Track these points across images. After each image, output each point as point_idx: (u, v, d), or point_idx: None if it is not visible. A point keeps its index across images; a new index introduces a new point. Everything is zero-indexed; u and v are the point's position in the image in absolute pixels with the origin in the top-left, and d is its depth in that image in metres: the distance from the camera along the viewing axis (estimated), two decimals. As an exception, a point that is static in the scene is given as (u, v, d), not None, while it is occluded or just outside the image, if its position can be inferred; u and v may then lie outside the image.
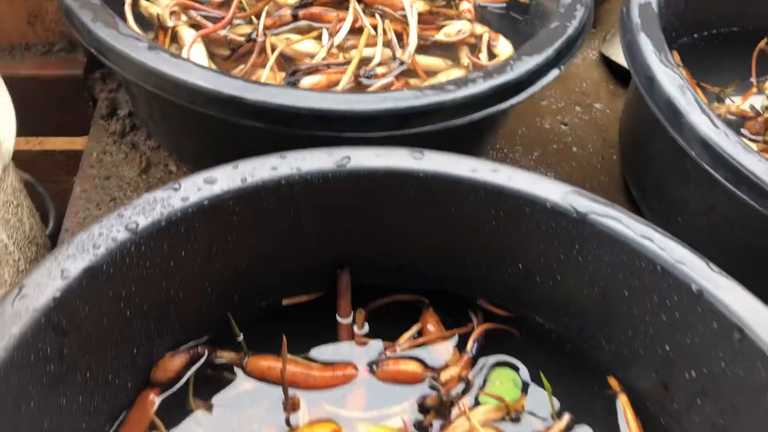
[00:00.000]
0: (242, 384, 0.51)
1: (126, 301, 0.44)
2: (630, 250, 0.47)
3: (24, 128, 0.71)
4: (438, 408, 0.48)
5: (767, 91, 0.76)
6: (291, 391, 0.49)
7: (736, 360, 0.43)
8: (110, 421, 0.47)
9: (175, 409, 0.49)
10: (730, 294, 0.44)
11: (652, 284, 0.46)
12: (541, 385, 0.52)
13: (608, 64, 0.90)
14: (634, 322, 0.49)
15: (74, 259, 0.41)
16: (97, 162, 0.72)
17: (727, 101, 0.77)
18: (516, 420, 0.50)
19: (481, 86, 0.55)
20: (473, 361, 0.52)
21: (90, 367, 0.43)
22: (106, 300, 0.42)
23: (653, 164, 0.66)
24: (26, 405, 0.39)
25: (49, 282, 0.39)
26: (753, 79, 0.78)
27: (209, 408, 0.49)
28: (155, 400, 0.49)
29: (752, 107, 0.75)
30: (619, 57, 0.85)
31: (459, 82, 0.55)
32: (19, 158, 0.74)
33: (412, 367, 0.51)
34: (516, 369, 0.53)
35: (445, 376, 0.51)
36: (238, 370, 0.51)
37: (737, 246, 0.59)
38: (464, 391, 0.49)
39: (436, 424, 0.49)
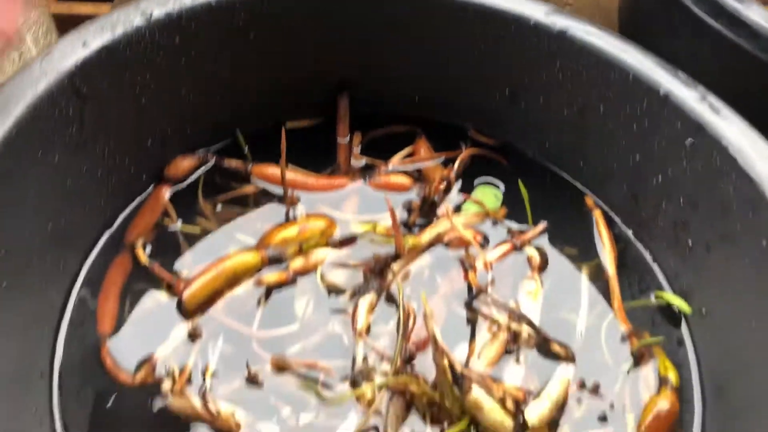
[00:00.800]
0: (247, 190, 0.56)
1: (141, 87, 0.49)
2: (606, 63, 0.50)
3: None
4: (422, 208, 0.53)
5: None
6: (291, 192, 0.54)
7: (696, 155, 0.47)
8: (126, 205, 0.52)
9: (185, 206, 0.54)
10: (692, 94, 0.47)
11: (625, 94, 0.50)
12: (521, 207, 0.56)
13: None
14: (608, 138, 0.53)
15: (95, 35, 0.45)
16: (122, 21, 0.77)
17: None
18: (494, 224, 0.54)
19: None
20: (458, 180, 0.57)
21: (108, 143, 0.48)
22: (123, 80, 0.47)
23: (646, 25, 0.68)
24: (51, 156, 0.44)
25: (72, 50, 0.44)
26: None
27: (215, 206, 0.54)
28: (167, 192, 0.54)
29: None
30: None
31: None
32: (51, 23, 0.80)
33: (402, 179, 0.56)
34: (498, 188, 0.57)
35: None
36: (242, 184, 0.56)
37: (721, 92, 0.62)
38: (446, 191, 0.53)
39: (421, 223, 0.53)
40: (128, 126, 0.49)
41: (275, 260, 0.50)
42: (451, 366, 0.41)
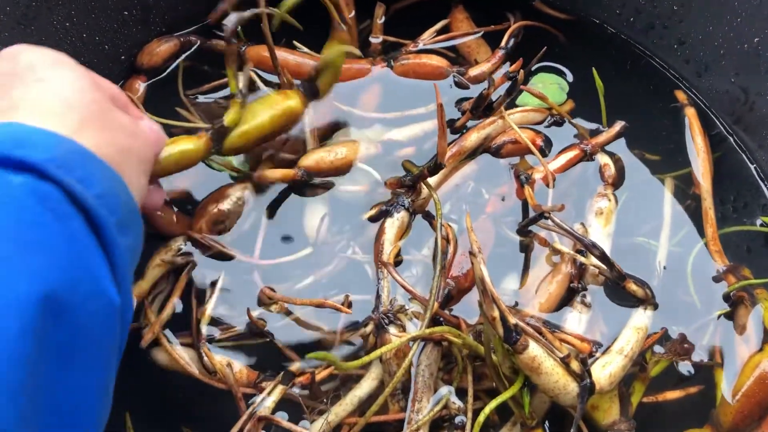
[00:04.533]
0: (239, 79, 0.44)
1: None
2: None
3: None
4: (475, 108, 0.41)
5: None
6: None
7: None
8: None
9: (163, 99, 0.43)
10: None
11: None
12: (593, 95, 0.43)
13: None
14: (717, 12, 0.40)
15: None
16: None
17: None
18: (558, 124, 0.43)
19: None
20: (509, 60, 0.45)
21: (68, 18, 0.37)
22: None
23: None
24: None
25: None
26: None
27: (196, 97, 0.43)
28: (140, 86, 0.43)
29: None
30: None
31: None
32: None
33: (435, 60, 0.44)
34: (563, 75, 0.45)
35: (474, 72, 0.43)
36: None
37: None
38: (510, 91, 0.41)
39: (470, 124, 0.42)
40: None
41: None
42: (503, 317, 0.32)
